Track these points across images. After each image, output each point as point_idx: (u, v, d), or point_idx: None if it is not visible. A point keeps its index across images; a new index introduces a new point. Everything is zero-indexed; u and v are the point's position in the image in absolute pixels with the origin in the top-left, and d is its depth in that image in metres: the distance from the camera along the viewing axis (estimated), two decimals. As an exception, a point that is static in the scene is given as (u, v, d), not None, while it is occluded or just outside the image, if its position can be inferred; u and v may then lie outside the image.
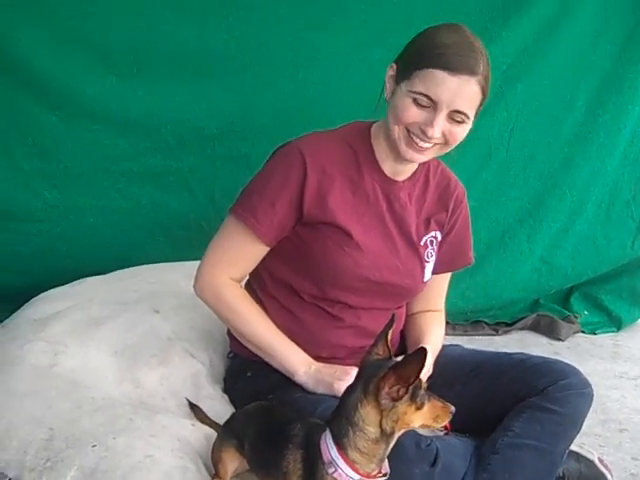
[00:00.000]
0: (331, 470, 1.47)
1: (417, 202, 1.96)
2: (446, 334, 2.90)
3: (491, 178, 3.14)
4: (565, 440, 1.91)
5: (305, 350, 1.92)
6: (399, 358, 1.47)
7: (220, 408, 1.93)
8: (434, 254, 2.01)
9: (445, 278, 2.13)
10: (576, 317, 3.30)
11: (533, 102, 3.08)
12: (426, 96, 1.74)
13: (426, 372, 1.87)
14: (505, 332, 3.18)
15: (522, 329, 3.22)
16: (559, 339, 3.18)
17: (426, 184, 1.97)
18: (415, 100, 1.76)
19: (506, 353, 2.18)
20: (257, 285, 1.99)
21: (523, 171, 3.18)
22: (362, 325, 1.95)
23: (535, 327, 3.24)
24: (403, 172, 1.93)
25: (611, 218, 3.32)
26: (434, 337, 2.04)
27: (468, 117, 1.79)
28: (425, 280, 2.00)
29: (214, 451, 1.69)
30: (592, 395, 1.96)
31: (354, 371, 1.65)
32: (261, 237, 1.85)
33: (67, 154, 2.66)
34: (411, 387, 1.42)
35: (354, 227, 1.86)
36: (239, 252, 1.89)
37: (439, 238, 2.02)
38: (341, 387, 1.66)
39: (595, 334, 3.30)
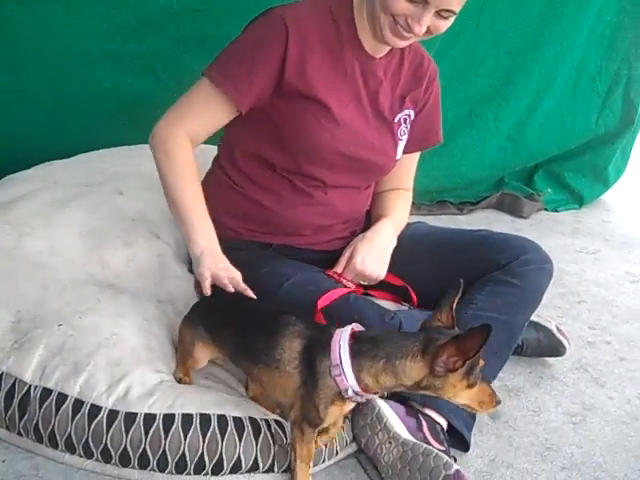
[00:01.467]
0: (335, 372, 1.47)
1: (392, 79, 1.96)
2: (411, 214, 2.93)
3: (460, 55, 3.10)
4: (524, 312, 1.97)
5: (272, 224, 1.95)
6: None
7: (187, 287, 1.96)
8: (407, 132, 2.02)
9: (415, 157, 2.15)
10: (539, 195, 3.35)
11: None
12: None
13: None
14: (470, 211, 3.23)
15: (486, 208, 3.27)
16: (522, 217, 3.23)
17: (401, 61, 1.97)
18: None
19: (469, 230, 2.22)
20: (227, 160, 1.99)
21: (492, 48, 3.14)
22: (331, 204, 1.97)
23: (499, 206, 3.28)
24: (381, 49, 1.92)
25: (577, 94, 3.32)
26: (398, 213, 2.07)
27: (455, 13, 1.76)
28: (397, 158, 2.02)
29: (182, 344, 1.70)
30: (552, 270, 2.02)
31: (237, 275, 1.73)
32: (236, 103, 1.82)
33: (23, 37, 2.57)
34: (468, 361, 1.41)
35: (332, 101, 1.86)
36: (202, 110, 1.84)
37: (412, 116, 2.02)
38: (204, 272, 1.70)
39: (557, 211, 3.36)
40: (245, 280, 1.80)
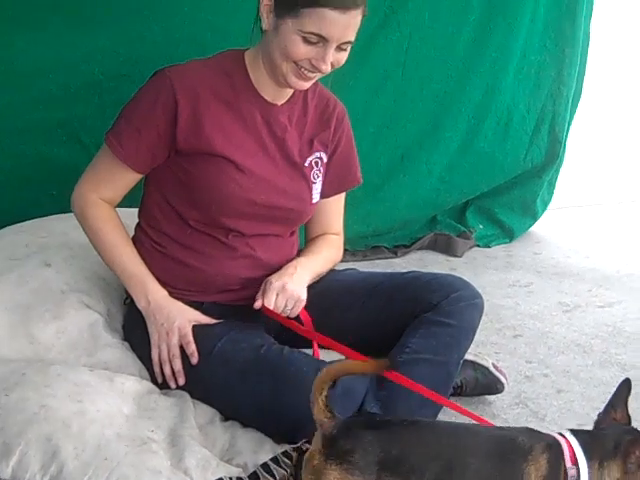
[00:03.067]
0: (572, 473, 1.43)
1: (298, 124, 1.98)
2: (346, 260, 2.99)
3: (389, 102, 3.16)
4: (459, 350, 2.00)
5: (199, 283, 1.95)
6: None
7: (121, 355, 1.94)
8: (320, 175, 2.04)
9: (338, 200, 2.16)
10: (471, 232, 3.41)
11: (425, 19, 3.08)
12: (318, 35, 1.76)
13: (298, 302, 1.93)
14: (404, 253, 3.26)
15: (420, 249, 3.31)
16: (456, 255, 3.28)
17: (305, 105, 2.00)
18: (305, 38, 1.77)
19: (400, 273, 2.25)
20: (148, 223, 2.00)
21: (420, 92, 3.20)
22: (256, 255, 1.98)
23: (432, 246, 3.33)
24: (281, 96, 1.95)
25: (509, 134, 3.40)
26: (317, 256, 2.07)
27: (352, 43, 1.83)
28: (314, 202, 2.04)
29: None
30: (482, 305, 2.05)
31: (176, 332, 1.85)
32: (126, 163, 1.88)
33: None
34: None
35: (234, 153, 1.89)
36: (108, 175, 1.94)
37: (324, 159, 2.04)
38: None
39: (489, 247, 3.43)
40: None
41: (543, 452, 1.43)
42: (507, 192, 3.49)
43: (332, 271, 2.16)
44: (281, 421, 1.80)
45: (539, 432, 1.51)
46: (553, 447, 1.45)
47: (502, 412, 2.21)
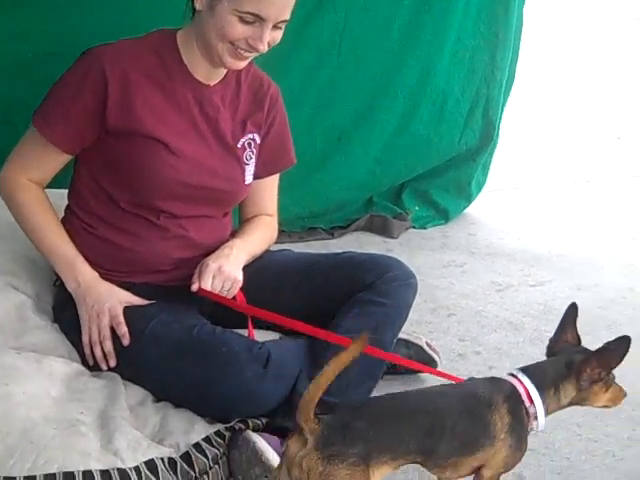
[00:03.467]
0: (532, 410, 1.57)
1: (231, 105, 1.97)
2: (282, 241, 2.99)
3: (325, 84, 3.15)
4: (392, 329, 2.01)
5: (130, 263, 1.93)
6: None
7: (50, 337, 1.91)
8: (253, 156, 2.03)
9: (272, 181, 2.15)
10: (407, 213, 3.43)
11: (360, 2, 3.07)
12: (255, 15, 1.75)
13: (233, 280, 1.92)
14: (340, 235, 3.27)
15: (356, 230, 3.32)
16: (392, 237, 3.30)
17: (238, 86, 1.99)
18: (241, 18, 1.76)
19: (334, 253, 2.25)
20: (77, 204, 1.97)
21: (356, 74, 3.19)
22: (189, 236, 1.96)
23: (369, 227, 3.34)
24: (215, 76, 1.93)
25: (444, 116, 3.41)
26: (252, 237, 2.06)
27: (288, 20, 1.82)
28: (247, 183, 2.03)
29: None
30: (416, 285, 2.07)
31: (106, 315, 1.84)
32: (55, 144, 1.85)
33: None
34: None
35: (166, 133, 1.87)
36: (35, 157, 1.91)
37: (258, 140, 2.03)
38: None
39: (425, 228, 3.45)
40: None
41: (504, 402, 1.54)
42: (442, 174, 3.51)
43: (267, 252, 2.16)
44: (213, 401, 1.79)
45: (497, 380, 1.61)
46: (511, 393, 1.56)
47: (435, 389, 2.24)
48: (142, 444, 1.66)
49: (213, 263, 1.90)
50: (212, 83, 1.94)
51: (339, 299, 2.00)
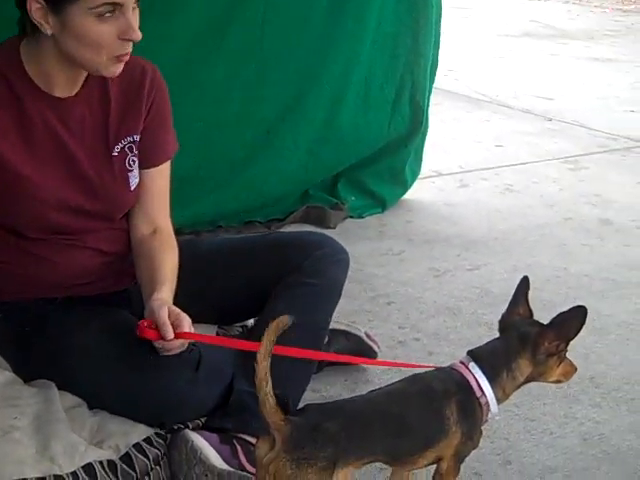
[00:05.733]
0: (484, 401, 1.56)
1: (100, 110, 1.79)
2: (220, 236, 2.97)
3: (251, 77, 3.13)
4: (325, 309, 1.98)
5: (42, 283, 1.84)
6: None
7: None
8: (137, 159, 1.85)
9: (159, 183, 1.91)
10: (344, 204, 3.43)
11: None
12: (110, 3, 1.59)
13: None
14: (278, 227, 3.26)
15: (293, 222, 3.30)
16: (329, 227, 3.30)
17: (105, 87, 1.79)
18: (99, 16, 1.60)
19: (261, 234, 2.21)
20: None
21: (280, 67, 3.19)
22: (93, 247, 1.85)
23: (306, 219, 3.33)
24: (76, 84, 1.76)
25: (369, 104, 3.42)
26: (168, 269, 1.85)
27: None
28: (132, 188, 1.86)
29: None
30: (347, 260, 2.05)
31: None
32: None
33: None
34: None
35: (26, 166, 1.72)
36: None
37: (138, 139, 1.85)
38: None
39: (362, 217, 3.45)
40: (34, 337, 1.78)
41: (455, 394, 1.54)
42: (376, 163, 3.51)
43: (198, 238, 2.06)
44: (146, 410, 1.76)
45: (449, 370, 1.60)
46: (461, 385, 1.56)
47: (376, 377, 2.26)
48: (79, 448, 1.63)
49: (172, 307, 1.71)
50: (73, 94, 1.76)
51: (272, 281, 1.96)
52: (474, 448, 1.59)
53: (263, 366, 1.38)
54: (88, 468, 1.61)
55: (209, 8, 3.01)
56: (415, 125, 3.53)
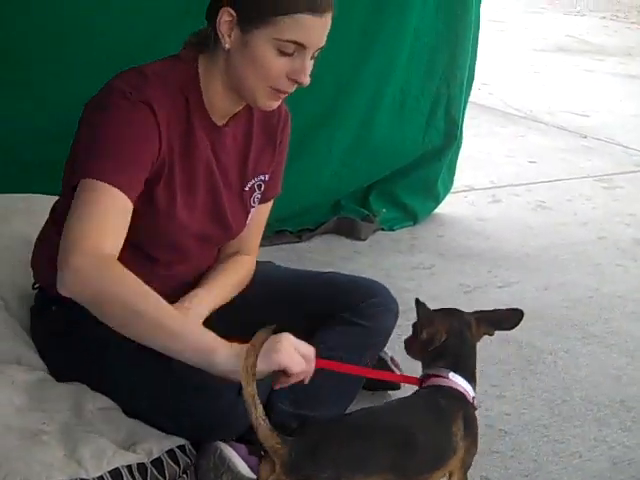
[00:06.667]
0: (475, 403, 1.63)
1: (242, 144, 1.83)
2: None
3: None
4: (372, 352, 2.00)
5: None
6: None
7: (13, 344, 1.87)
8: (260, 197, 1.90)
9: (259, 217, 1.97)
10: (375, 215, 3.42)
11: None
12: (296, 43, 1.62)
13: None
14: (308, 238, 3.26)
15: (324, 233, 3.31)
16: (360, 239, 3.30)
17: (250, 122, 1.83)
18: (280, 49, 1.62)
19: (317, 272, 2.22)
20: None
21: (318, 76, 3.17)
22: (175, 275, 1.86)
23: (337, 230, 3.33)
24: (228, 115, 1.78)
25: (404, 116, 3.42)
26: (220, 284, 1.87)
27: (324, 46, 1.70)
28: (247, 222, 1.91)
29: None
30: (397, 311, 2.07)
31: (285, 339, 1.58)
32: (131, 197, 1.60)
33: None
34: None
35: (181, 188, 1.73)
36: (110, 219, 1.58)
37: (267, 179, 1.90)
38: (281, 358, 1.55)
39: (394, 230, 3.44)
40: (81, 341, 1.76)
41: (458, 410, 1.56)
42: (408, 175, 3.51)
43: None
44: (186, 430, 1.75)
45: (440, 387, 1.60)
46: (460, 400, 1.59)
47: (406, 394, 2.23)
48: (107, 453, 1.63)
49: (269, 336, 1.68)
50: (224, 122, 1.77)
51: (319, 319, 1.96)
52: (476, 453, 1.61)
53: (247, 391, 1.37)
54: (114, 473, 1.61)
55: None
56: (449, 139, 3.52)
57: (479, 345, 2.51)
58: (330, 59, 3.16)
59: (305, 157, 3.26)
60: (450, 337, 1.64)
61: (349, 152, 3.34)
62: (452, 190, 3.69)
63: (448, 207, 3.66)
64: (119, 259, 1.59)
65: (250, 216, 1.91)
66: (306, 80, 1.66)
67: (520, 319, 1.70)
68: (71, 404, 1.74)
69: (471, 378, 1.63)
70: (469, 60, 3.50)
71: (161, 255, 1.82)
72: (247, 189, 1.86)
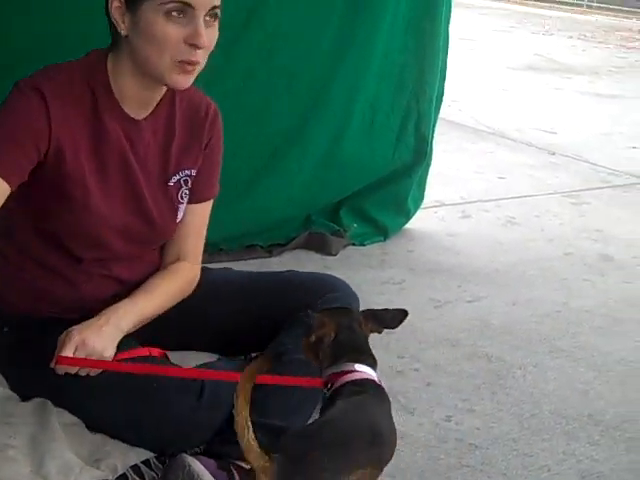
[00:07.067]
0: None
1: (164, 139, 1.85)
2: (220, 260, 2.97)
3: (255, 100, 3.13)
4: None
5: (58, 302, 1.85)
6: None
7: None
8: (188, 192, 1.92)
9: (198, 219, 1.97)
10: (346, 231, 3.42)
11: (288, 19, 3.08)
12: (181, 3, 1.62)
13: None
14: (279, 253, 3.26)
15: (295, 248, 3.30)
16: (331, 254, 3.30)
17: (172, 117, 1.85)
18: (168, 14, 1.63)
19: (275, 272, 2.23)
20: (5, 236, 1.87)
21: (287, 91, 3.20)
22: (113, 276, 1.87)
23: (307, 245, 3.32)
24: (148, 107, 1.81)
25: (374, 131, 3.43)
26: (150, 295, 1.88)
27: (219, 12, 1.70)
28: (178, 220, 1.92)
29: None
30: (358, 307, 2.04)
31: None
32: (9, 181, 1.64)
33: None
34: None
35: (96, 182, 1.76)
36: None
37: (194, 174, 1.92)
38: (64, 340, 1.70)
39: (364, 245, 3.45)
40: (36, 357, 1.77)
41: (383, 394, 1.60)
42: (379, 191, 3.51)
43: (206, 270, 2.10)
44: (147, 438, 1.76)
45: (357, 380, 1.59)
46: (376, 386, 1.60)
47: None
48: (74, 469, 1.62)
49: (78, 335, 1.72)
50: (142, 117, 1.80)
51: (281, 318, 1.97)
52: None
53: (242, 416, 1.38)
54: (82, 489, 1.59)
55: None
56: (419, 155, 3.54)
57: (449, 360, 2.55)
58: (300, 74, 3.22)
59: (276, 172, 3.27)
60: (340, 333, 1.62)
61: (319, 167, 3.35)
62: (422, 206, 3.71)
63: (418, 222, 3.67)
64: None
65: (181, 214, 1.91)
66: (203, 42, 1.66)
67: (404, 318, 1.72)
68: (36, 419, 1.73)
69: (373, 363, 1.64)
70: (439, 77, 3.53)
71: (86, 253, 1.82)
72: (172, 184, 1.88)
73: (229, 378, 1.67)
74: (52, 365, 1.71)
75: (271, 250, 3.25)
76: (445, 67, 3.57)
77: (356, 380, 1.59)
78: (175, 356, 1.96)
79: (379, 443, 1.51)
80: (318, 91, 3.25)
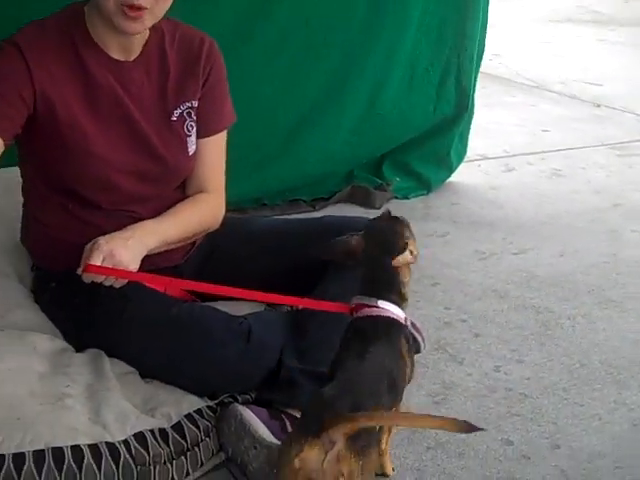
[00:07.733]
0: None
1: (159, 77, 1.86)
2: (264, 215, 2.97)
3: (294, 57, 3.11)
4: None
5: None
6: None
7: (32, 315, 1.90)
8: (195, 124, 1.91)
9: (214, 150, 1.97)
10: (388, 184, 3.41)
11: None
12: None
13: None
14: (322, 207, 3.25)
15: (338, 202, 3.29)
16: (374, 207, 3.28)
17: (163, 55, 1.86)
18: None
19: (313, 218, 2.22)
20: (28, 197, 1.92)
21: (324, 47, 3.16)
22: (141, 218, 1.87)
23: (351, 199, 3.32)
24: (132, 50, 1.82)
25: (413, 86, 3.38)
26: (173, 218, 1.90)
27: None
28: (190, 154, 1.92)
29: None
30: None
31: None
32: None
33: None
34: None
35: (92, 125, 1.78)
36: None
37: (196, 105, 1.91)
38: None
39: (408, 198, 3.43)
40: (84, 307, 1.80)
41: (399, 334, 1.62)
42: (421, 145, 3.48)
43: (243, 221, 2.08)
44: (197, 381, 1.78)
45: (383, 318, 1.63)
46: (395, 325, 1.62)
47: (422, 358, 2.20)
48: (130, 417, 1.65)
49: (106, 245, 1.72)
50: (131, 58, 1.82)
51: (322, 264, 1.94)
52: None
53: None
54: (139, 436, 1.62)
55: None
56: (461, 109, 3.49)
57: (496, 311, 2.54)
58: (338, 31, 3.18)
59: (315, 127, 3.25)
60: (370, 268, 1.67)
61: (359, 122, 3.31)
62: (465, 159, 3.66)
63: (461, 176, 3.63)
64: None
65: (192, 147, 1.91)
66: None
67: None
68: (92, 368, 1.76)
69: (401, 304, 1.65)
70: (479, 30, 3.46)
71: (101, 198, 1.84)
72: (175, 118, 1.88)
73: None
74: (79, 272, 1.71)
75: (314, 204, 3.25)
76: (486, 20, 3.50)
77: (378, 318, 1.61)
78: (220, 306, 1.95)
79: (394, 387, 1.55)
80: (356, 47, 3.21)
